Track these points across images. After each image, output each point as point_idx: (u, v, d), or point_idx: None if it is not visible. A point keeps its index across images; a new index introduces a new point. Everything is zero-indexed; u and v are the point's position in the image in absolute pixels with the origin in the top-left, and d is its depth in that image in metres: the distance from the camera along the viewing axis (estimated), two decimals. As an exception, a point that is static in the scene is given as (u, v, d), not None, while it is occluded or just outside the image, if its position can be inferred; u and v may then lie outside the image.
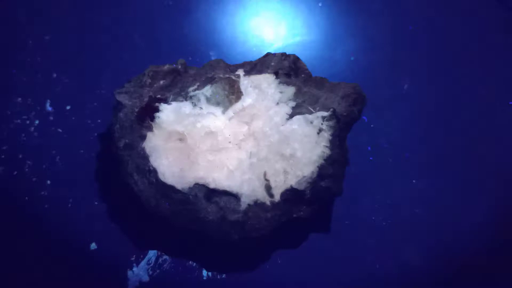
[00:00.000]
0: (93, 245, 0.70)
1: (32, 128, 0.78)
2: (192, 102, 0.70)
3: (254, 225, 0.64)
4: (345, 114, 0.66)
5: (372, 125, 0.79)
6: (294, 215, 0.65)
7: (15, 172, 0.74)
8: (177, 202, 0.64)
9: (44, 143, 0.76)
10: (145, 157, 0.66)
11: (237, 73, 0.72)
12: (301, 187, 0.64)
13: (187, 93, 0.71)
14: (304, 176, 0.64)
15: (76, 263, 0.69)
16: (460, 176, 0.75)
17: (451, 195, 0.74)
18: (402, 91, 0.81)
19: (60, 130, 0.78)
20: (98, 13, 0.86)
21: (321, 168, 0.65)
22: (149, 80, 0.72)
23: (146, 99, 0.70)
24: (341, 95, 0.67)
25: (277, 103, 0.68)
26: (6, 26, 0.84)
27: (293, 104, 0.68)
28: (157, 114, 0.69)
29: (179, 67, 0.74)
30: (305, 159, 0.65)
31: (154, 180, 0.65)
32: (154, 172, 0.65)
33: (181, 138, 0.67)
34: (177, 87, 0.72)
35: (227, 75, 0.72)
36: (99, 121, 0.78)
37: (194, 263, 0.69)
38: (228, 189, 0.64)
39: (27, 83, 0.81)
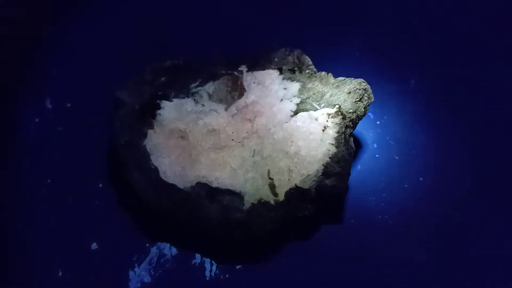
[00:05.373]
0: (94, 245, 0.69)
1: (32, 126, 0.77)
2: (194, 99, 0.69)
3: (258, 224, 0.62)
4: (350, 110, 0.65)
5: (378, 122, 0.77)
6: (299, 214, 0.64)
7: (15, 170, 0.73)
8: (178, 201, 0.63)
9: (44, 140, 0.76)
10: (146, 155, 0.65)
11: (240, 69, 0.71)
12: (306, 186, 0.63)
13: (189, 89, 0.70)
14: (308, 175, 0.63)
15: (77, 263, 0.68)
16: (468, 173, 0.74)
17: (459, 193, 0.73)
18: (408, 87, 0.80)
19: (60, 128, 0.77)
20: (98, 9, 0.85)
21: (326, 166, 0.63)
22: (150, 77, 0.71)
23: (147, 96, 0.69)
24: (346, 91, 0.66)
25: (281, 100, 0.67)
26: (6, 24, 0.83)
27: (297, 100, 0.67)
28: (158, 111, 0.68)
29: (181, 63, 0.73)
30: (309, 157, 0.64)
31: (155, 178, 0.64)
32: (155, 170, 0.64)
33: (183, 136, 0.66)
34: (179, 83, 0.71)
35: (230, 71, 0.71)
36: (99, 118, 0.77)
37: (197, 263, 0.68)
38: (231, 188, 0.63)
39: (27, 80, 0.80)
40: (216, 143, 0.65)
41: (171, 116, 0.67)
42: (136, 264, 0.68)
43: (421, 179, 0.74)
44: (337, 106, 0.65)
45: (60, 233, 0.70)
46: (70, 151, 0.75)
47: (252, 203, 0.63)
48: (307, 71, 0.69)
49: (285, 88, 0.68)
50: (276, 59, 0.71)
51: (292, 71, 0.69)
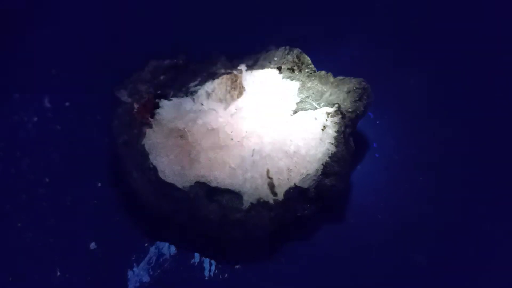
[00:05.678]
0: (93, 245, 0.69)
1: (30, 125, 0.77)
2: (193, 98, 0.69)
3: (257, 224, 0.62)
4: (350, 110, 0.65)
5: (378, 121, 0.77)
6: (298, 214, 0.64)
7: (13, 170, 0.73)
8: (177, 201, 0.63)
9: (42, 140, 0.75)
10: (144, 155, 0.65)
11: (239, 68, 0.70)
12: (305, 185, 0.63)
13: (188, 88, 0.70)
14: (308, 174, 0.63)
15: (75, 263, 0.68)
16: (469, 172, 0.74)
17: (459, 193, 0.73)
18: (408, 86, 0.80)
19: (58, 127, 0.77)
20: (97, 8, 0.85)
21: (325, 165, 0.63)
22: (149, 76, 0.71)
23: (145, 95, 0.69)
24: (346, 91, 0.66)
25: (281, 99, 0.67)
26: (5, 20, 0.83)
27: (297, 99, 0.67)
28: (157, 111, 0.68)
29: (180, 62, 0.73)
30: (309, 156, 0.63)
31: (154, 178, 0.64)
32: (154, 169, 0.64)
33: (182, 135, 0.66)
34: (178, 82, 0.71)
35: (229, 70, 0.70)
36: (98, 117, 0.77)
37: (196, 263, 0.68)
38: (230, 187, 0.63)
39: (25, 79, 0.80)
40: (215, 143, 0.65)
41: (170, 115, 0.67)
42: (134, 264, 0.68)
43: (421, 179, 0.74)
44: (336, 105, 0.65)
45: (58, 233, 0.69)
46: (69, 150, 0.75)
47: (251, 203, 0.62)
48: (306, 70, 0.69)
49: (284, 87, 0.68)
50: (275, 58, 0.70)
51: (292, 70, 0.69)
